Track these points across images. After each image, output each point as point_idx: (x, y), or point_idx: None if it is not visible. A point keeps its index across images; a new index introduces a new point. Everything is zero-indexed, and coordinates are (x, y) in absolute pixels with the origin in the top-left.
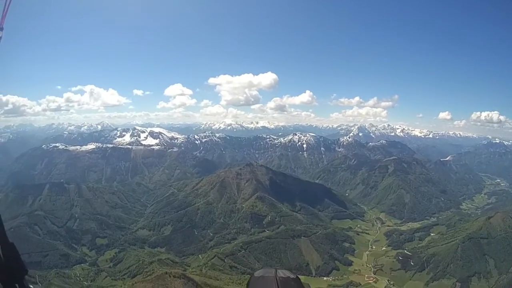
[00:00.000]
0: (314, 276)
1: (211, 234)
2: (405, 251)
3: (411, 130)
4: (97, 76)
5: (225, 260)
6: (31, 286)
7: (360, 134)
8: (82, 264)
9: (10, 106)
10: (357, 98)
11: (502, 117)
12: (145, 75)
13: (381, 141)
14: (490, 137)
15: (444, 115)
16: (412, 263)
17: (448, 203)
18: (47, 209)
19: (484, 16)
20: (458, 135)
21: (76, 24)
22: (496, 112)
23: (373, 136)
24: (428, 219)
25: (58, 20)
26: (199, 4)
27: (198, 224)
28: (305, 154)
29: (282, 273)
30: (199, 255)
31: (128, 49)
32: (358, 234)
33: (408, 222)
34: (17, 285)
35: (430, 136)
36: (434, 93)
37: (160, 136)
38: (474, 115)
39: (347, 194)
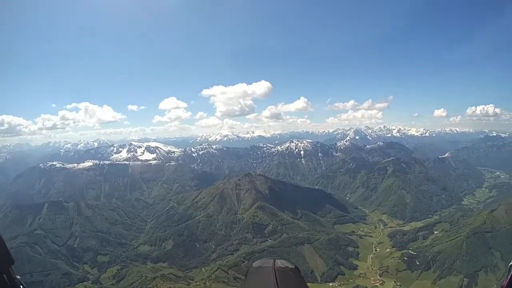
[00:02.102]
0: (320, 283)
1: (213, 246)
2: (410, 251)
3: (408, 130)
4: (91, 93)
5: (229, 272)
6: (18, 276)
7: (357, 137)
8: (85, 282)
9: (5, 126)
10: (351, 102)
11: (497, 110)
12: (139, 90)
13: (378, 143)
14: (486, 130)
15: (439, 112)
16: (417, 263)
17: (449, 200)
18: (47, 228)
19: (472, 11)
20: (455, 131)
21: (69, 42)
22: (491, 105)
23: (370, 138)
24: (430, 217)
25: (51, 39)
26: (189, 15)
27: (199, 237)
28: (303, 161)
29: (281, 263)
30: (202, 268)
31: (121, 64)
32: (361, 238)
33: (410, 222)
34: (4, 275)
35: (427, 134)
36: (428, 91)
37: (157, 150)
38: (469, 110)
39: (347, 198)
